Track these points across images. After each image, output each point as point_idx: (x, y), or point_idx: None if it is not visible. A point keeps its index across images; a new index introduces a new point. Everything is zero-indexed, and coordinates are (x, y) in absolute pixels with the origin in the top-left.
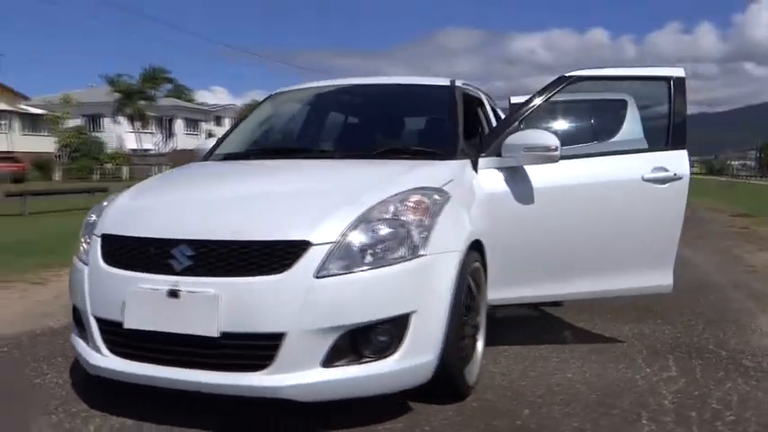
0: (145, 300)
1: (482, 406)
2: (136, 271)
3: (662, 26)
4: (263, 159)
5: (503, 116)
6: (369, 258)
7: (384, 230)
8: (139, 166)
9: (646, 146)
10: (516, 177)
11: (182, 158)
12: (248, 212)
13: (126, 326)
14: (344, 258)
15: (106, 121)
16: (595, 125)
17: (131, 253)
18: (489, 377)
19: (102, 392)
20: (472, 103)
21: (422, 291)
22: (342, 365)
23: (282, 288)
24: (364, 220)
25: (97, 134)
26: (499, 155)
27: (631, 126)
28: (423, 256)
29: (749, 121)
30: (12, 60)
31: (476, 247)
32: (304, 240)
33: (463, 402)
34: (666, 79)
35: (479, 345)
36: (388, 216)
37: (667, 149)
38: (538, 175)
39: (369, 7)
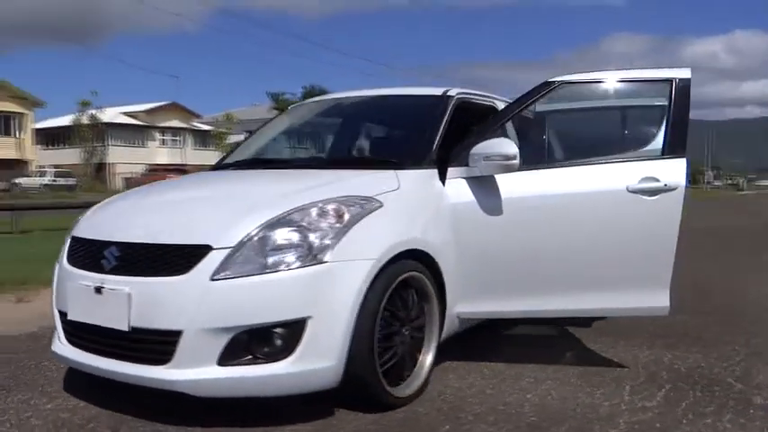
0: (81, 294)
1: (406, 417)
2: (80, 269)
3: None
4: (236, 170)
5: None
6: (268, 263)
7: (285, 237)
8: None
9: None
10: (485, 187)
11: None
12: (172, 218)
13: (69, 317)
14: (244, 263)
15: None
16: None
17: (80, 252)
18: (439, 391)
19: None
20: (476, 113)
21: (320, 297)
22: (237, 365)
23: (182, 289)
24: (269, 227)
25: None
26: (467, 164)
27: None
28: (324, 263)
29: None
30: (186, 82)
31: (417, 257)
32: (205, 244)
33: (388, 413)
34: (668, 81)
35: (426, 358)
36: (294, 223)
37: (663, 158)
38: (508, 185)
39: (528, 17)
